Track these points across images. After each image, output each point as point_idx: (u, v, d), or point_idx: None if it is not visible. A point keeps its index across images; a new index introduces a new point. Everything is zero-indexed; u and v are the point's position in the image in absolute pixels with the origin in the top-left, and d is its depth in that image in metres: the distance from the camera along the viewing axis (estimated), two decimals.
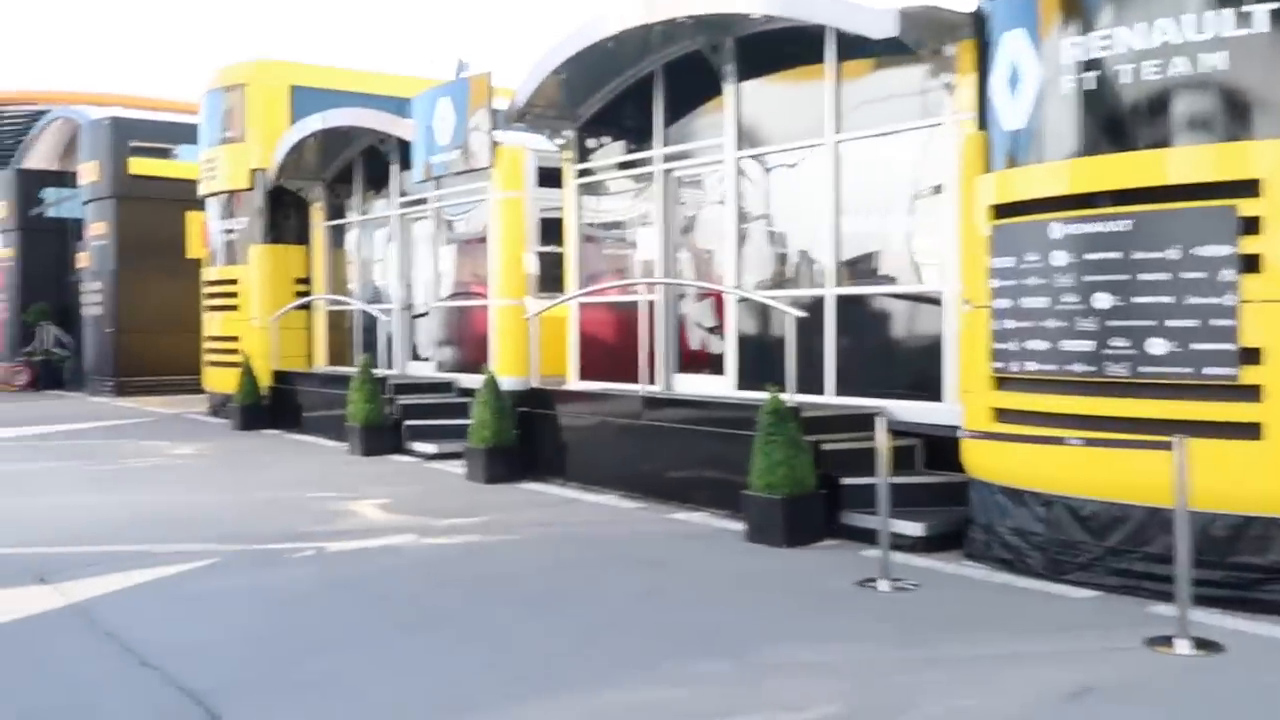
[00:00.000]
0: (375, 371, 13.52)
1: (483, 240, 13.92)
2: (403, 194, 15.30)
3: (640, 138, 11.54)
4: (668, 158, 11.14)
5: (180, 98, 26.18)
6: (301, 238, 17.53)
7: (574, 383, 12.11)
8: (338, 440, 14.27)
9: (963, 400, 7.68)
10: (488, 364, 12.81)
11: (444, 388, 14.04)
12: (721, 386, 10.40)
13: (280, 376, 16.43)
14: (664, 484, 9.74)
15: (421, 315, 14.89)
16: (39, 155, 30.14)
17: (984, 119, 7.51)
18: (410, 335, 15.25)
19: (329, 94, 16.88)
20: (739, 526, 8.39)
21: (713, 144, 10.62)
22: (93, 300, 24.13)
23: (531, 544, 8.30)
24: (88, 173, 24.02)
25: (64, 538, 8.49)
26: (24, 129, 33.94)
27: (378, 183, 16.05)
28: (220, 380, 18.01)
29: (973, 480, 7.61)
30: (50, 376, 26.18)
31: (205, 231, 23.86)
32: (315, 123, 15.19)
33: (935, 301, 8.69)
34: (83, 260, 27.17)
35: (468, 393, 13.64)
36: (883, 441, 6.73)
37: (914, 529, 7.78)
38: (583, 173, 12.17)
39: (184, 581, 7.16)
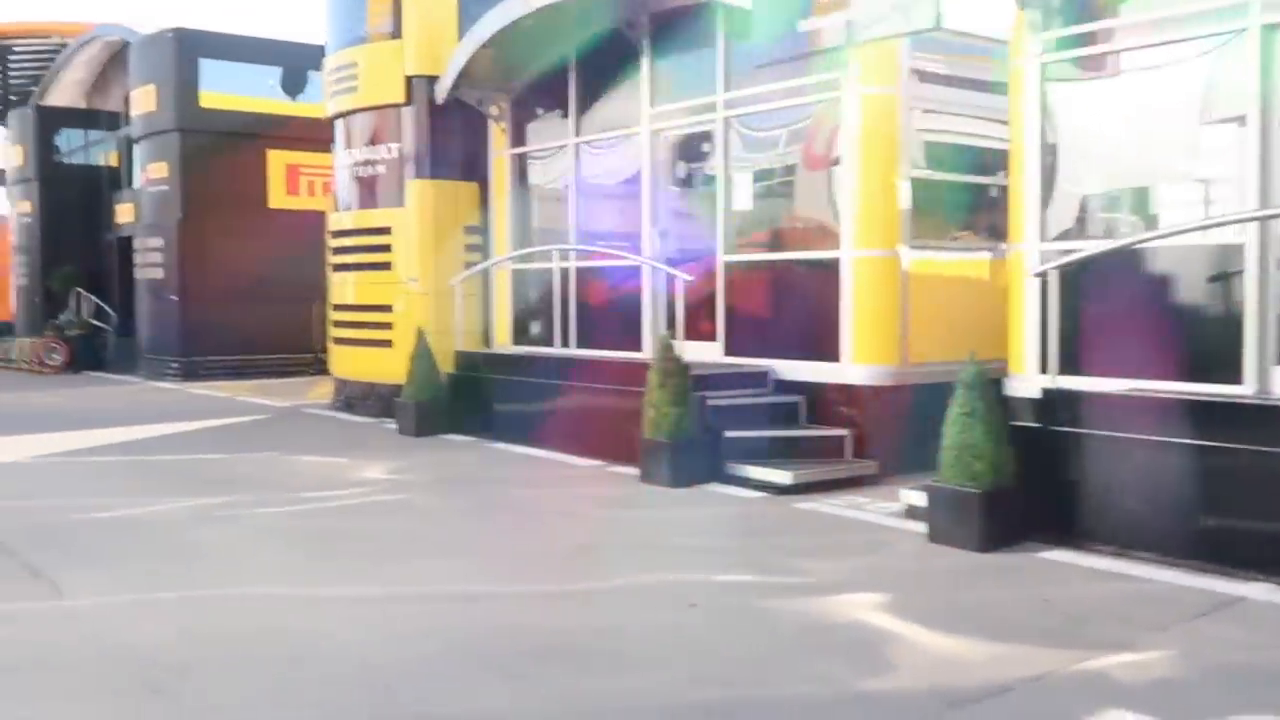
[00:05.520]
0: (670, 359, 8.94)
1: (815, 162, 9.44)
2: (653, 101, 10.71)
3: None
4: None
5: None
6: (471, 171, 12.94)
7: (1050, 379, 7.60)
8: (582, 455, 9.83)
9: None
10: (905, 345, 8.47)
11: (753, 380, 9.54)
12: None
13: (464, 361, 11.87)
14: None
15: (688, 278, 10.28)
16: (63, 91, 25.35)
17: None
18: (669, 304, 10.68)
19: None
20: None
21: None
22: (150, 260, 19.43)
23: None
24: (141, 101, 19.27)
25: None
26: (44, 65, 29.12)
27: (601, 89, 11.46)
28: (357, 364, 13.44)
29: None
30: (89, 355, 21.50)
31: (293, 172, 19.34)
32: None
33: None
34: (123, 213, 22.55)
35: (788, 387, 9.31)
36: None
37: None
38: (1061, 43, 7.63)
39: None
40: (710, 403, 8.93)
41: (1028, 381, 7.39)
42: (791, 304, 9.63)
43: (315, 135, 18.64)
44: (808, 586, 5.87)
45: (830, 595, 5.66)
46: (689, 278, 9.56)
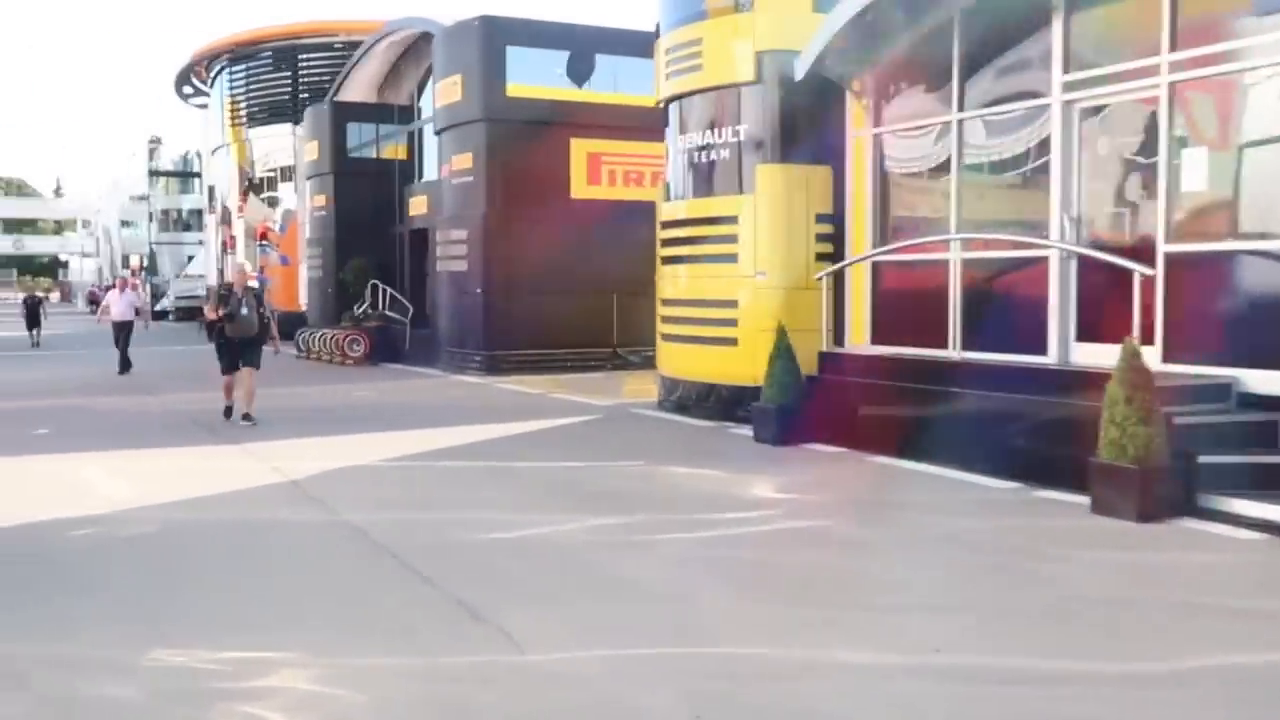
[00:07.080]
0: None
1: None
2: (1068, 66, 9.30)
3: None
4: None
5: None
6: (822, 154, 11.82)
7: None
8: (990, 475, 8.54)
9: None
10: None
11: (1213, 394, 8.04)
12: None
13: (829, 363, 10.78)
14: None
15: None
16: (355, 87, 25.83)
17: None
18: (1074, 300, 9.30)
19: None
20: None
21: None
22: (452, 253, 19.28)
23: None
24: (445, 92, 19.10)
25: None
26: (331, 63, 29.98)
27: (993, 55, 10.13)
28: (693, 363, 12.57)
29: None
30: (386, 347, 21.64)
31: (595, 160, 18.81)
32: None
33: None
34: (416, 206, 22.68)
35: (1258, 403, 7.76)
36: None
37: None
38: None
39: None
40: (1176, 420, 7.51)
41: None
42: (1265, 302, 8.07)
43: (616, 122, 18.08)
44: None
45: None
46: (1150, 271, 8.13)
